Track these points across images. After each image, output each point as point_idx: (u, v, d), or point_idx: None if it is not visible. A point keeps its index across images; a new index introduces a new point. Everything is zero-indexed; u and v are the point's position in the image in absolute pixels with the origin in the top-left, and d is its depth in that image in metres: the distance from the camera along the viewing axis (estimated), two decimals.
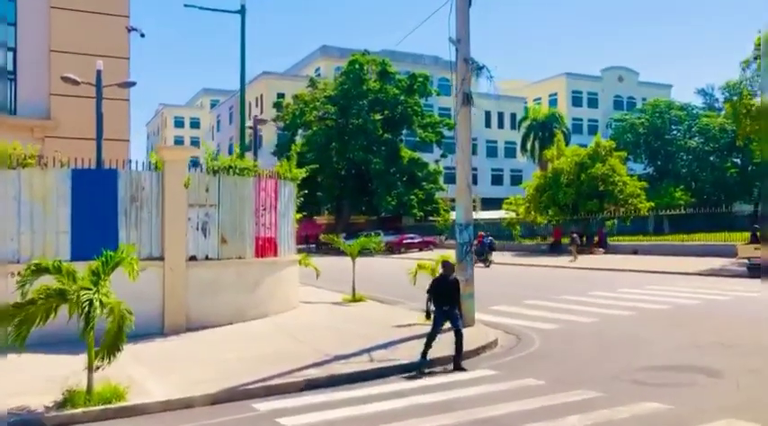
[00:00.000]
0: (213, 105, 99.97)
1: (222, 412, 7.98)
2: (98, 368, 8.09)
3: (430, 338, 10.35)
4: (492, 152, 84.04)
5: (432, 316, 10.73)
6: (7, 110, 17.66)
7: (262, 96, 75.04)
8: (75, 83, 15.03)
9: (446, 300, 10.58)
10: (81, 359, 8.28)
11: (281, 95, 66.30)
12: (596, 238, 40.71)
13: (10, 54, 17.68)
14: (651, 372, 9.52)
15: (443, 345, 10.48)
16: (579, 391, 8.48)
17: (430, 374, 9.94)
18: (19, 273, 8.60)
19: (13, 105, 17.69)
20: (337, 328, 13.72)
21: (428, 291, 10.92)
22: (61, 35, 17.90)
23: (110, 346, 8.21)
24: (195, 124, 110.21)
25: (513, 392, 8.62)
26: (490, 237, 35.17)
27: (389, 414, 7.71)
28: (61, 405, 7.92)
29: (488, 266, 31.86)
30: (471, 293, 13.83)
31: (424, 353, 10.23)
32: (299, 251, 28.59)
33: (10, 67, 17.74)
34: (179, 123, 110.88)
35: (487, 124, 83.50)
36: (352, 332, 13.20)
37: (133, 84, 16.56)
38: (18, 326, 8.08)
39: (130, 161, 14.19)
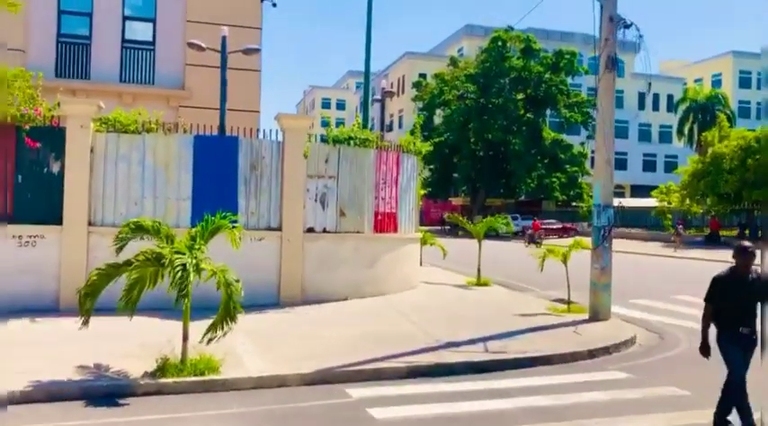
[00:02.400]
0: (358, 87, 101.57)
1: (312, 396, 7.33)
2: (211, 340, 7.64)
3: (728, 393, 6.13)
4: (645, 136, 78.41)
5: (709, 350, 6.24)
6: (146, 80, 18.27)
7: (404, 77, 74.99)
8: (201, 49, 15.11)
9: (746, 317, 6.00)
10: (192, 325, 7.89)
11: (422, 75, 65.69)
12: (760, 231, 36.47)
13: (149, 25, 18.26)
14: None
15: (579, 339, 9.22)
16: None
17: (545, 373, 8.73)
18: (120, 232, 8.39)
19: (151, 76, 18.27)
20: (454, 312, 12.77)
21: (706, 300, 6.24)
22: (197, 6, 18.20)
23: (222, 317, 7.78)
24: (341, 105, 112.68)
25: (646, 402, 7.25)
26: None
27: (492, 416, 6.70)
28: (153, 373, 7.64)
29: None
30: (608, 284, 12.34)
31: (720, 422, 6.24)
32: (433, 232, 28.02)
33: (149, 38, 18.32)
34: (326, 104, 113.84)
35: (641, 106, 77.91)
36: (470, 317, 12.20)
37: (257, 50, 16.42)
38: (128, 290, 7.86)
39: (257, 130, 14.00)
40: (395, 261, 14.84)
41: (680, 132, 65.69)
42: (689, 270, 24.09)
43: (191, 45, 15.21)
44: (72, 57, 17.78)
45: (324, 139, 13.89)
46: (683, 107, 65.46)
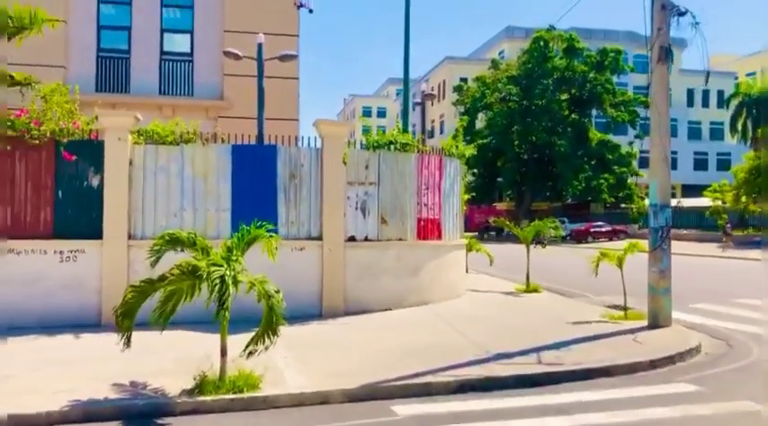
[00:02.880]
0: (398, 94, 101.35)
1: (356, 414, 6.90)
2: (251, 354, 7.34)
3: None
4: (695, 134, 76.05)
5: None
6: (185, 92, 18.26)
7: (444, 81, 74.44)
8: (237, 57, 14.97)
9: None
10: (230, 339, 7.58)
11: (463, 80, 65.07)
12: None
13: (187, 37, 18.26)
14: None
15: (640, 348, 8.60)
16: None
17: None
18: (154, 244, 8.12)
19: (190, 87, 18.25)
20: (504, 321, 12.21)
21: None
22: (234, 15, 18.14)
23: (264, 330, 7.44)
24: (382, 113, 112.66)
25: (721, 418, 6.60)
26: None
27: None
28: (191, 391, 7.33)
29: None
30: (667, 288, 11.61)
31: None
32: (478, 237, 27.41)
33: (187, 50, 18.31)
34: (366, 112, 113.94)
35: (690, 103, 75.69)
36: (521, 326, 11.63)
37: (294, 56, 16.20)
38: (163, 303, 7.61)
39: (296, 138, 13.73)
40: (439, 269, 14.36)
41: (732, 128, 63.28)
42: (747, 272, 22.95)
43: (227, 54, 15.09)
44: (112, 72, 17.91)
45: (363, 145, 13.55)
46: (735, 102, 62.99)
